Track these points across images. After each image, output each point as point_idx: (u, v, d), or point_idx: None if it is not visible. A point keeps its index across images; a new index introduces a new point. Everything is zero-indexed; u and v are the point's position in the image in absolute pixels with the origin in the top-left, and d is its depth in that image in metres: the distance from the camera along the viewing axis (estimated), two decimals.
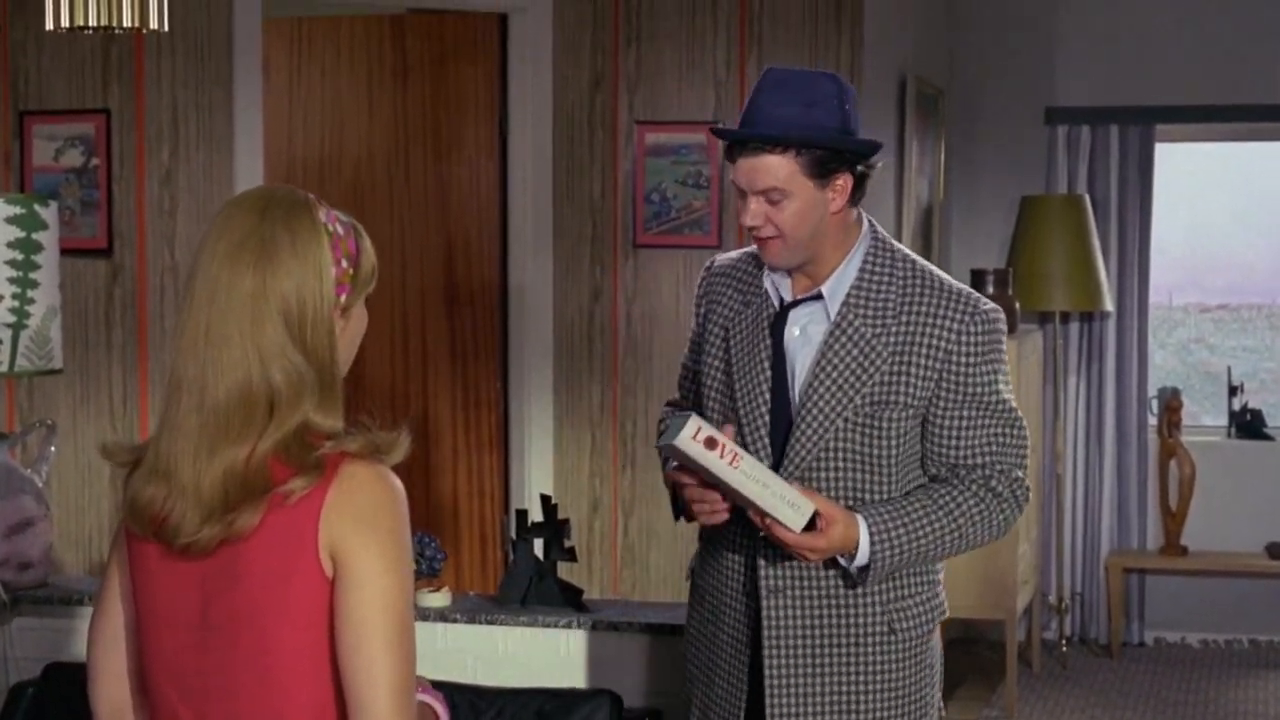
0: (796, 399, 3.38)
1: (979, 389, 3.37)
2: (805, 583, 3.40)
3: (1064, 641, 8.04)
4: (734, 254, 3.60)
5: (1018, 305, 7.47)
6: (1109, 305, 8.08)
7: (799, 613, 3.41)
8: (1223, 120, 8.26)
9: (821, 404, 3.35)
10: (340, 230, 2.41)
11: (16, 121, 6.19)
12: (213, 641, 2.37)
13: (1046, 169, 8.33)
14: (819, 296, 3.40)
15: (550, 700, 4.09)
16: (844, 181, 3.34)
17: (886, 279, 3.39)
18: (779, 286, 3.44)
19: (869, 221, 3.45)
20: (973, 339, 3.37)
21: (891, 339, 3.36)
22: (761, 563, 3.41)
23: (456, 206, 6.56)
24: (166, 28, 4.66)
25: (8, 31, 6.21)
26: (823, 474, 3.38)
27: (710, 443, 3.17)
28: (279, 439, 2.33)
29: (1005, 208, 8.33)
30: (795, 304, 3.41)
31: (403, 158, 6.61)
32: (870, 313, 3.37)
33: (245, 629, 2.34)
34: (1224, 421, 8.47)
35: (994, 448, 3.38)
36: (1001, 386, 3.39)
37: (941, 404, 3.36)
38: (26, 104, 6.18)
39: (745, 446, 3.37)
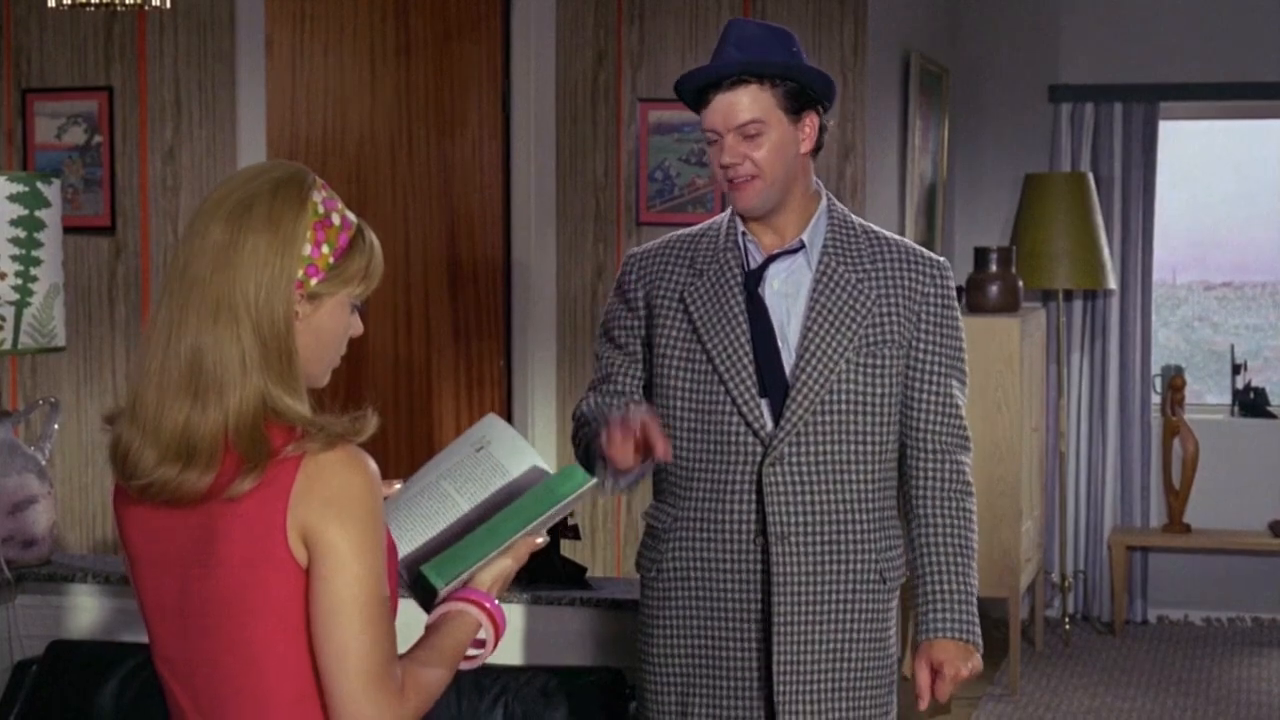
0: (793, 347, 3.44)
1: (950, 335, 3.51)
2: (809, 529, 3.44)
3: (1067, 619, 8.04)
4: (656, 242, 3.62)
5: (1021, 283, 7.46)
6: (1112, 283, 8.07)
7: (803, 559, 3.44)
8: (1227, 98, 8.24)
9: (824, 346, 3.42)
10: (335, 220, 2.39)
11: (19, 99, 6.19)
12: (193, 629, 2.38)
13: (1050, 147, 8.32)
14: (799, 248, 3.47)
15: (554, 678, 4.09)
16: (812, 121, 3.45)
17: (853, 236, 3.51)
18: (750, 246, 3.49)
19: (826, 192, 3.56)
20: (941, 288, 3.51)
21: (873, 284, 3.47)
22: (771, 510, 3.43)
23: (459, 184, 6.55)
24: (169, 4, 4.66)
25: (10, 8, 6.20)
26: (826, 418, 3.44)
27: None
28: (233, 411, 2.31)
29: (1009, 185, 8.32)
30: (774, 258, 3.47)
31: (406, 135, 6.60)
32: (849, 260, 3.48)
33: (224, 618, 2.35)
34: (1227, 400, 8.47)
35: (955, 420, 3.51)
36: (963, 337, 3.55)
37: (922, 345, 3.49)
38: (29, 81, 6.18)
39: (733, 403, 3.42)
